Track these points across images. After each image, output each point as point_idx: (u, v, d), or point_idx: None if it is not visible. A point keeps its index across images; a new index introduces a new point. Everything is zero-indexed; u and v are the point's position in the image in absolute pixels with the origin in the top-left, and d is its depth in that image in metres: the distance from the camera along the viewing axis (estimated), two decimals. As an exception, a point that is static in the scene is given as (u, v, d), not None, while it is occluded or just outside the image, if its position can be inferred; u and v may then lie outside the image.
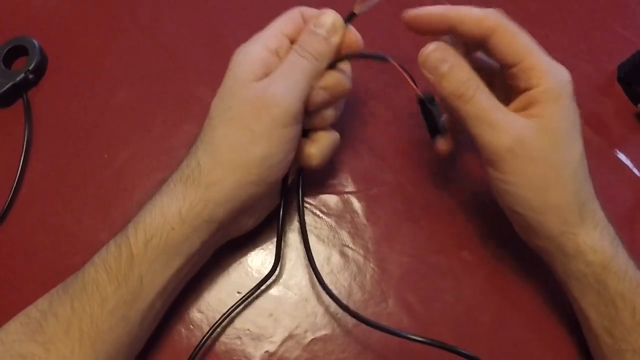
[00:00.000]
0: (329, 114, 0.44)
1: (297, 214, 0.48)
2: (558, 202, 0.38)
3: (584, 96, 0.54)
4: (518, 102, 0.39)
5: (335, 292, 0.46)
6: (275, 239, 0.47)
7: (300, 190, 0.46)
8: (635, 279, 0.38)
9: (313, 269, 0.45)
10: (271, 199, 0.44)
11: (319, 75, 0.41)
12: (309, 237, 0.46)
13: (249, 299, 0.46)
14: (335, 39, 0.41)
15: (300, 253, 0.47)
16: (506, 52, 0.38)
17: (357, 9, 0.41)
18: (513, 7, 0.58)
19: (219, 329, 0.45)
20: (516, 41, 0.38)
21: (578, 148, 0.39)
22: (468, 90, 0.38)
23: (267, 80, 0.39)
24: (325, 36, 0.40)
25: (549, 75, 0.37)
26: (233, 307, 0.45)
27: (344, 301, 0.46)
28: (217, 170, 0.38)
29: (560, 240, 0.39)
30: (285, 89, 0.39)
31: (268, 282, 0.46)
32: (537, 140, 0.37)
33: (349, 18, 0.41)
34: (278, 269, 0.46)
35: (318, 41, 0.40)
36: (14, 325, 0.38)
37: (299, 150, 0.42)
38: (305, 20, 0.42)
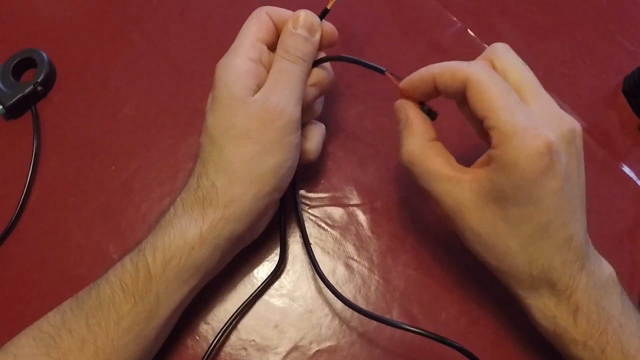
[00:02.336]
0: (317, 107, 0.46)
1: (296, 218, 0.49)
2: (500, 268, 0.38)
3: (589, 109, 0.55)
4: (482, 158, 0.38)
5: (341, 293, 0.46)
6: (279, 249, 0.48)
7: (295, 189, 0.48)
8: (600, 347, 0.36)
9: (312, 263, 0.46)
10: (278, 202, 0.45)
11: (308, 75, 0.42)
12: (314, 249, 0.47)
13: (255, 303, 0.47)
14: (317, 37, 0.42)
15: (306, 265, 0.48)
16: (474, 106, 0.36)
17: (330, 5, 0.42)
18: (517, 20, 0.59)
19: (225, 340, 0.46)
20: (484, 96, 0.35)
21: (536, 222, 0.35)
22: (411, 155, 0.39)
23: (263, 92, 0.39)
24: (308, 37, 0.41)
25: (509, 141, 0.33)
26: (239, 310, 0.46)
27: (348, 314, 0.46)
28: (234, 188, 0.39)
29: (515, 297, 0.40)
30: (284, 99, 0.39)
31: (274, 283, 0.48)
32: (478, 207, 0.36)
33: (323, 14, 0.43)
34: (281, 271, 0.48)
35: (302, 42, 0.41)
36: (26, 339, 0.38)
37: None
38: (275, 22, 0.42)
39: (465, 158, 0.40)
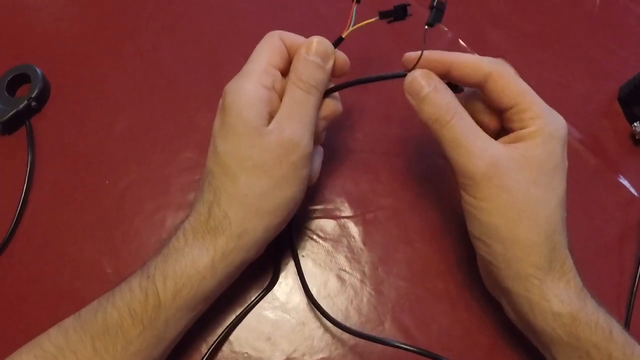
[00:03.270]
0: (323, 136, 0.46)
1: (288, 233, 0.49)
2: (528, 239, 0.37)
3: (582, 116, 0.55)
4: (507, 137, 0.39)
5: (331, 316, 0.46)
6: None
7: None
8: (608, 327, 0.37)
9: (302, 283, 0.46)
10: None
11: (320, 103, 0.42)
12: (306, 262, 0.48)
13: (247, 315, 0.47)
14: (330, 65, 0.41)
15: (298, 278, 0.48)
16: (502, 96, 0.38)
17: (345, 34, 0.41)
18: (508, 29, 0.59)
19: (218, 353, 0.46)
20: (511, 85, 0.38)
21: (558, 193, 0.38)
22: (446, 114, 0.38)
23: (278, 122, 0.39)
24: (321, 64, 0.40)
25: (542, 117, 0.37)
26: (232, 323, 0.46)
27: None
28: (248, 220, 0.39)
29: (525, 284, 0.38)
30: (299, 131, 0.39)
31: (265, 297, 0.48)
32: (514, 170, 0.37)
33: (338, 42, 0.42)
34: (274, 284, 0.48)
35: (315, 69, 0.40)
36: (27, 357, 0.38)
37: None
38: (287, 48, 0.41)
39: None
